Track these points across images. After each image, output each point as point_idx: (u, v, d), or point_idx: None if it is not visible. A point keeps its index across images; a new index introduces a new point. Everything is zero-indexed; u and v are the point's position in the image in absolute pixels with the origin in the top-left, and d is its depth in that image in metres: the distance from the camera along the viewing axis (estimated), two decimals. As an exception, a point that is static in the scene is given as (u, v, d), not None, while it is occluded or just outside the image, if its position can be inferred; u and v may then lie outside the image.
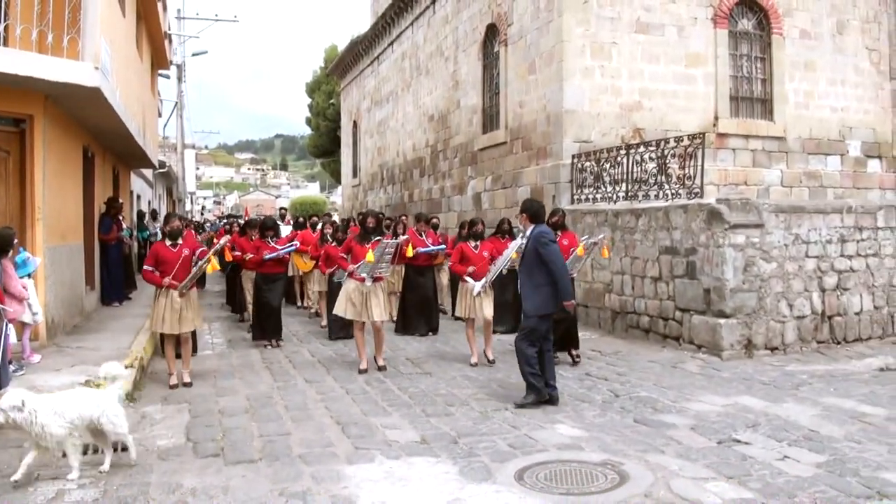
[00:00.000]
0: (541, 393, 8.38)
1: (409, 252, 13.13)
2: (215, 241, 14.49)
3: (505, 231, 13.22)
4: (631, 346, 12.49)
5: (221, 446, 6.93)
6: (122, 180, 20.32)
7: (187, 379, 9.55)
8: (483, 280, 10.68)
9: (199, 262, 9.41)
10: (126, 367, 9.11)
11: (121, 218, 16.40)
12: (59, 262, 11.56)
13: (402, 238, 11.79)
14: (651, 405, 8.47)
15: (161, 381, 9.69)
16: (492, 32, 19.88)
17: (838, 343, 12.20)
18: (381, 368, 10.38)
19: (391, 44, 29.02)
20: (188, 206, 45.21)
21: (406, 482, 5.95)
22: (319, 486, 5.86)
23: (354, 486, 5.86)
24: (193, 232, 18.49)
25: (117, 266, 15.98)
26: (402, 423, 7.69)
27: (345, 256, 10.73)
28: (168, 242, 9.56)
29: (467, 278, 10.96)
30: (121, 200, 17.03)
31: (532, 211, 8.83)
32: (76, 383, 8.29)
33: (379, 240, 10.44)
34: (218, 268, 10.47)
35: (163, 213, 33.97)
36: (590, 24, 16.29)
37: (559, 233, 10.74)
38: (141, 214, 23.43)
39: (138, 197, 26.41)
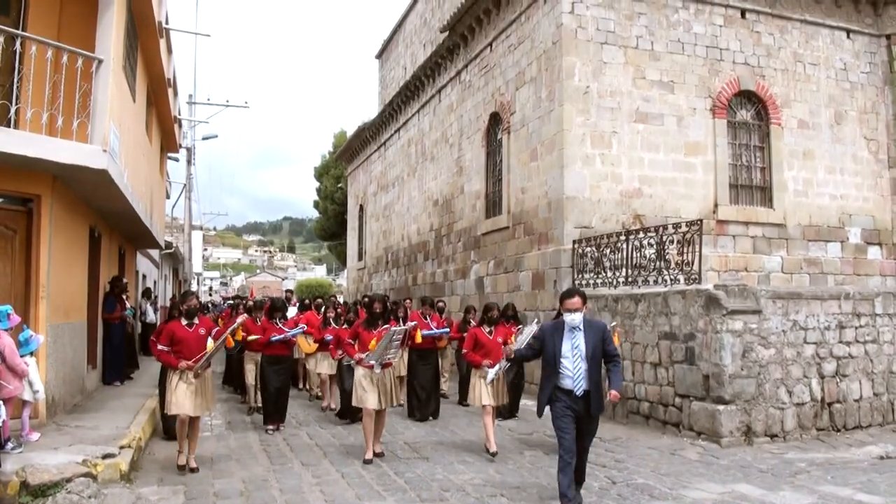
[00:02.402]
0: None
1: (419, 338, 13.06)
2: (220, 321, 14.53)
3: (510, 316, 13.08)
4: (631, 432, 12.44)
5: (214, 528, 6.92)
6: (128, 260, 20.48)
7: (193, 464, 9.31)
8: (497, 367, 10.16)
9: (216, 343, 9.29)
10: (122, 448, 9.18)
11: (125, 297, 16.49)
12: (62, 341, 11.61)
13: (410, 325, 11.47)
14: (648, 492, 8.44)
15: (158, 462, 9.68)
16: (495, 121, 20.26)
17: (838, 430, 12.14)
18: (378, 454, 10.09)
19: (398, 130, 29.54)
20: (194, 287, 45.30)
21: (396, 566, 5.94)
22: (309, 570, 5.86)
23: (344, 570, 5.85)
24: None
25: (120, 345, 16.01)
26: (395, 508, 7.67)
27: (351, 342, 10.45)
28: (184, 322, 9.43)
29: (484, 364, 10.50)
30: (125, 280, 17.14)
31: (584, 296, 7.99)
32: (73, 462, 8.31)
33: (388, 327, 10.14)
34: (231, 344, 10.39)
35: (162, 292, 33.99)
36: (590, 114, 16.61)
37: None
38: (147, 292, 23.52)
39: (144, 276, 26.53)
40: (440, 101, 24.57)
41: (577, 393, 7.53)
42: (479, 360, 10.52)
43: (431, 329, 13.86)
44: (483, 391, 10.43)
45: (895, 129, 19.63)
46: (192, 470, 9.20)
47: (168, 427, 11.03)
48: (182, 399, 9.09)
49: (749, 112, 18.44)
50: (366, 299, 18.49)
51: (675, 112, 17.40)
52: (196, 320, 9.49)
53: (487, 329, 11.00)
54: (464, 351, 10.94)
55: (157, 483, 8.65)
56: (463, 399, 15.06)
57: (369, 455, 9.93)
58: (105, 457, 8.67)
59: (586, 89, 16.63)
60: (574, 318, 7.61)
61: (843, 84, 19.32)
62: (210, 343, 9.33)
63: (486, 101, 20.65)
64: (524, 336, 10.05)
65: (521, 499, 8.09)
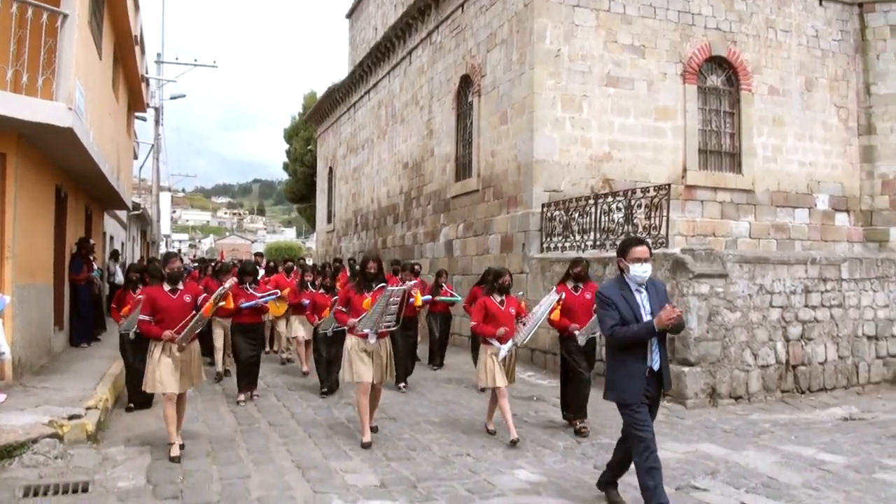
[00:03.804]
0: None
1: (419, 301, 12.24)
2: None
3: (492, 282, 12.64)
4: (597, 393, 12.47)
5: (181, 489, 6.91)
6: (95, 221, 20.28)
7: (179, 440, 8.27)
8: (510, 342, 9.05)
9: (201, 310, 8.20)
10: (89, 409, 9.13)
11: (92, 258, 16.33)
12: (28, 302, 11.50)
13: (410, 284, 10.42)
14: (611, 452, 8.53)
15: (124, 424, 9.62)
16: (466, 83, 20.17)
17: (802, 392, 12.32)
18: (372, 429, 9.04)
19: (368, 92, 29.33)
20: (162, 249, 44.99)
21: (362, 525, 5.98)
22: (276, 528, 5.89)
23: (310, 529, 5.88)
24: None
25: (87, 307, 15.87)
26: (362, 467, 7.72)
27: (343, 310, 9.10)
28: (167, 287, 8.30)
29: (492, 341, 9.12)
30: (92, 241, 16.97)
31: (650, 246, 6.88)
32: (40, 423, 8.27)
33: (383, 287, 8.80)
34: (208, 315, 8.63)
35: (130, 254, 33.73)
36: (561, 77, 16.58)
37: (581, 285, 9.86)
38: (114, 254, 23.33)
39: (111, 238, 26.30)
40: (411, 62, 24.40)
41: (654, 367, 6.24)
42: (493, 331, 9.06)
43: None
44: (497, 371, 9.05)
45: (865, 97, 19.77)
46: (180, 446, 8.17)
47: (136, 398, 10.43)
48: (166, 376, 8.08)
49: (720, 78, 18.48)
50: (333, 260, 18.13)
51: (645, 77, 17.40)
52: (180, 286, 8.37)
53: (499, 298, 9.36)
54: (472, 323, 9.41)
55: (124, 443, 8.62)
56: (432, 362, 15.04)
57: (367, 438, 8.69)
58: (71, 418, 8.64)
59: (557, 52, 16.58)
60: (646, 272, 6.22)
61: (814, 51, 19.39)
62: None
63: (457, 64, 20.54)
64: (543, 308, 9.21)
65: (486, 458, 8.16)
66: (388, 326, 8.73)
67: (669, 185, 13.82)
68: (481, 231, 18.68)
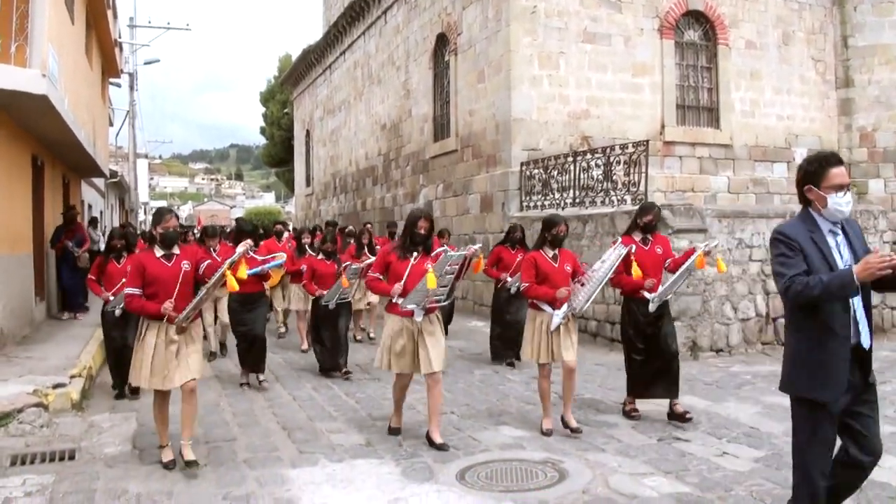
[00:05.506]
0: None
1: (481, 266, 8.73)
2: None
3: (516, 240, 11.33)
4: (579, 349, 12.59)
5: (167, 453, 6.93)
6: (73, 189, 20.12)
7: (191, 456, 6.44)
8: (564, 308, 7.45)
9: (208, 283, 6.35)
10: (73, 378, 9.12)
11: (81, 226, 16.13)
12: (9, 273, 11.45)
13: (471, 249, 7.30)
14: (595, 406, 8.64)
15: (109, 391, 9.55)
16: (442, 42, 20.03)
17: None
18: (439, 447, 6.92)
19: (343, 53, 29.10)
20: (141, 217, 44.75)
21: (348, 483, 6.02)
22: (263, 490, 5.91)
23: (297, 489, 5.91)
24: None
25: (69, 277, 15.63)
26: (347, 428, 7.77)
27: (379, 277, 7.26)
28: (159, 252, 6.50)
29: (544, 306, 7.56)
30: (75, 209, 16.83)
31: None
32: (24, 393, 8.27)
33: (443, 251, 7.29)
34: (236, 287, 6.53)
35: (108, 221, 33.52)
36: (537, 34, 16.50)
37: (650, 237, 8.25)
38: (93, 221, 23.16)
39: (89, 206, 26.13)
40: (386, 22, 24.20)
41: (864, 345, 4.19)
42: (551, 292, 7.44)
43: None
44: (543, 342, 7.61)
45: (843, 49, 19.74)
46: (190, 464, 6.38)
47: (123, 383, 9.15)
48: (159, 367, 6.36)
49: (697, 32, 18.43)
50: (330, 227, 16.71)
51: (622, 32, 17.33)
52: (177, 250, 6.57)
53: (551, 253, 7.68)
54: (523, 285, 7.82)
55: (109, 411, 8.64)
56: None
57: (396, 423, 7.53)
58: (56, 386, 8.64)
59: (533, 9, 16.48)
60: (849, 203, 4.23)
61: (791, 4, 19.32)
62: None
63: (433, 22, 20.38)
64: (607, 265, 7.45)
65: (470, 416, 8.23)
66: (439, 300, 7.06)
67: (648, 141, 13.85)
68: (461, 191, 18.67)
